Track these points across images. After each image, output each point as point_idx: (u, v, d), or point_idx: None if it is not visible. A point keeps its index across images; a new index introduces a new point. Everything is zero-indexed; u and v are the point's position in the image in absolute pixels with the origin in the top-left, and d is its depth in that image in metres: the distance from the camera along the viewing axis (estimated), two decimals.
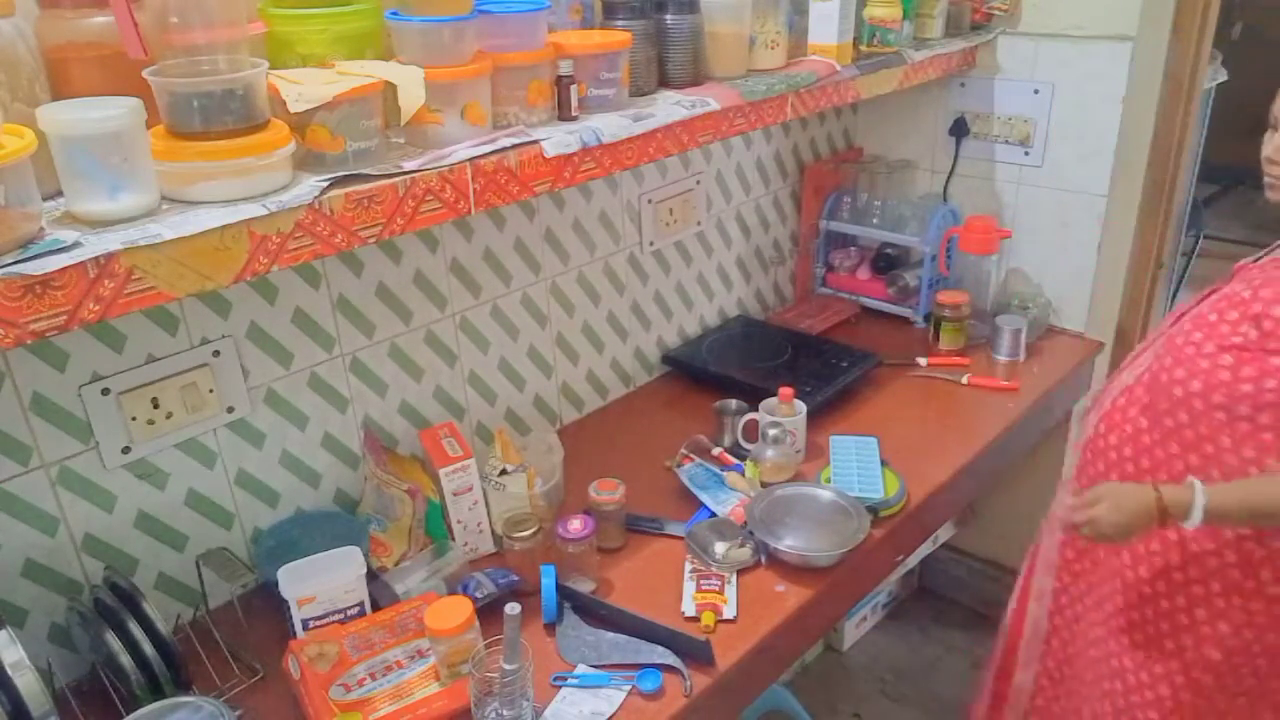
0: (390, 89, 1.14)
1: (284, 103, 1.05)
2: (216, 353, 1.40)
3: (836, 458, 1.75)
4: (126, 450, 1.34)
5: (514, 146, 1.23)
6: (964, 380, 2.02)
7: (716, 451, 1.76)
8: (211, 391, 1.40)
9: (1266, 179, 1.41)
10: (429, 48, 1.18)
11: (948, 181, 2.29)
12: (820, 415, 1.84)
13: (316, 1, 1.17)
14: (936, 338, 2.14)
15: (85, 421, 1.30)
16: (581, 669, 1.33)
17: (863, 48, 1.83)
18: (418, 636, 1.32)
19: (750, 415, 1.75)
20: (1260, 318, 1.29)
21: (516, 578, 1.45)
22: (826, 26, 1.70)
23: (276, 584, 1.33)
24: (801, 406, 1.73)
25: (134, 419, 1.33)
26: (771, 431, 1.67)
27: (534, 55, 1.28)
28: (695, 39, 1.51)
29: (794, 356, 2.05)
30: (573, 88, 1.32)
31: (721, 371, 2.01)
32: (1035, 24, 2.06)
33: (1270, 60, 5.68)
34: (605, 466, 1.69)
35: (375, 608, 1.39)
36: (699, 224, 2.13)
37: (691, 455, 1.76)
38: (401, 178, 1.12)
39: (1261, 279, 1.33)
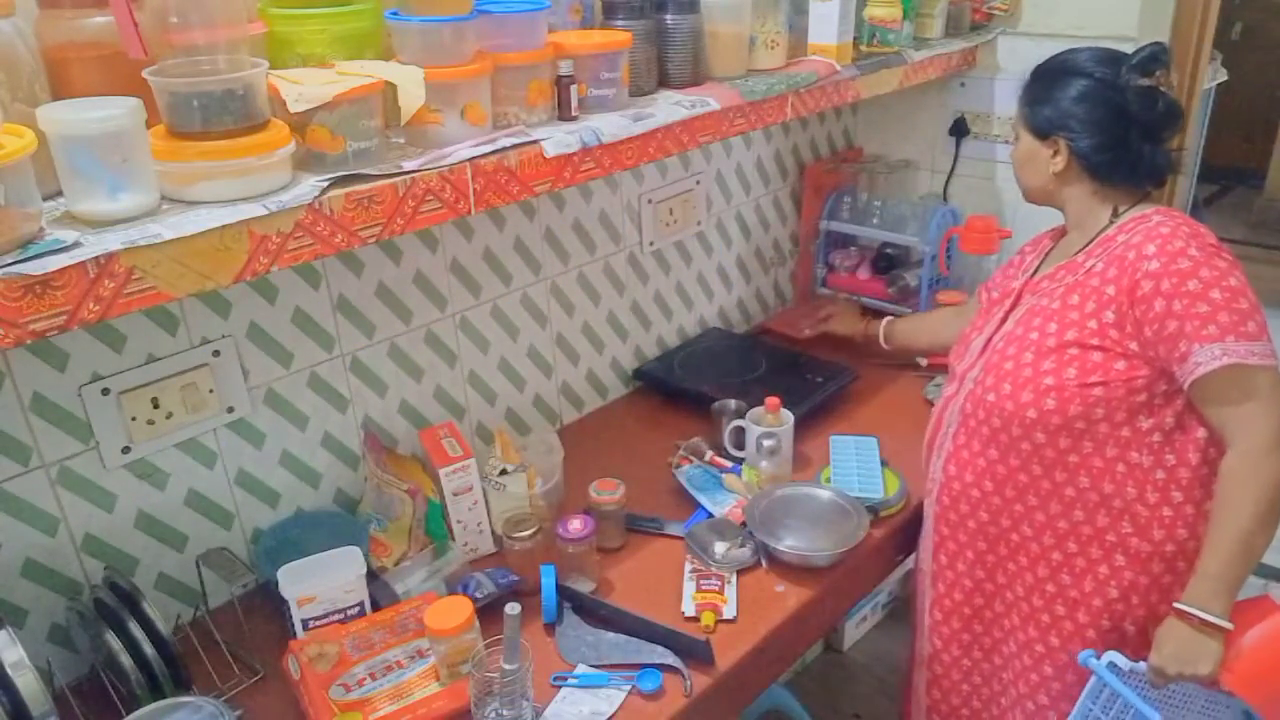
0: (390, 89, 1.14)
1: (284, 103, 1.05)
2: (216, 353, 1.40)
3: (836, 458, 1.75)
4: (126, 450, 1.34)
5: (514, 146, 1.23)
6: None
7: (708, 456, 1.76)
8: (211, 391, 1.40)
9: None
10: (429, 48, 1.18)
11: (948, 181, 2.29)
12: (805, 424, 1.83)
13: (316, 1, 1.17)
14: None
15: (85, 421, 1.30)
16: (581, 669, 1.33)
17: (863, 48, 1.83)
18: (418, 636, 1.32)
19: (736, 423, 1.72)
20: (1119, 300, 1.31)
21: (516, 578, 1.45)
22: (826, 26, 1.70)
23: (276, 584, 1.33)
24: (788, 416, 1.69)
25: (134, 419, 1.33)
26: (766, 443, 1.66)
27: (534, 55, 1.28)
28: (695, 39, 1.51)
29: (769, 370, 2.01)
30: (573, 88, 1.32)
31: (695, 389, 1.95)
32: (1035, 24, 2.06)
33: (1270, 60, 5.68)
34: (605, 466, 1.69)
35: (375, 608, 1.39)
36: (699, 224, 2.13)
37: (689, 456, 1.76)
38: (401, 178, 1.12)
39: (1084, 273, 1.38)
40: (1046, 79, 1.45)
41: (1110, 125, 1.39)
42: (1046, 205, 1.51)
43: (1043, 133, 1.44)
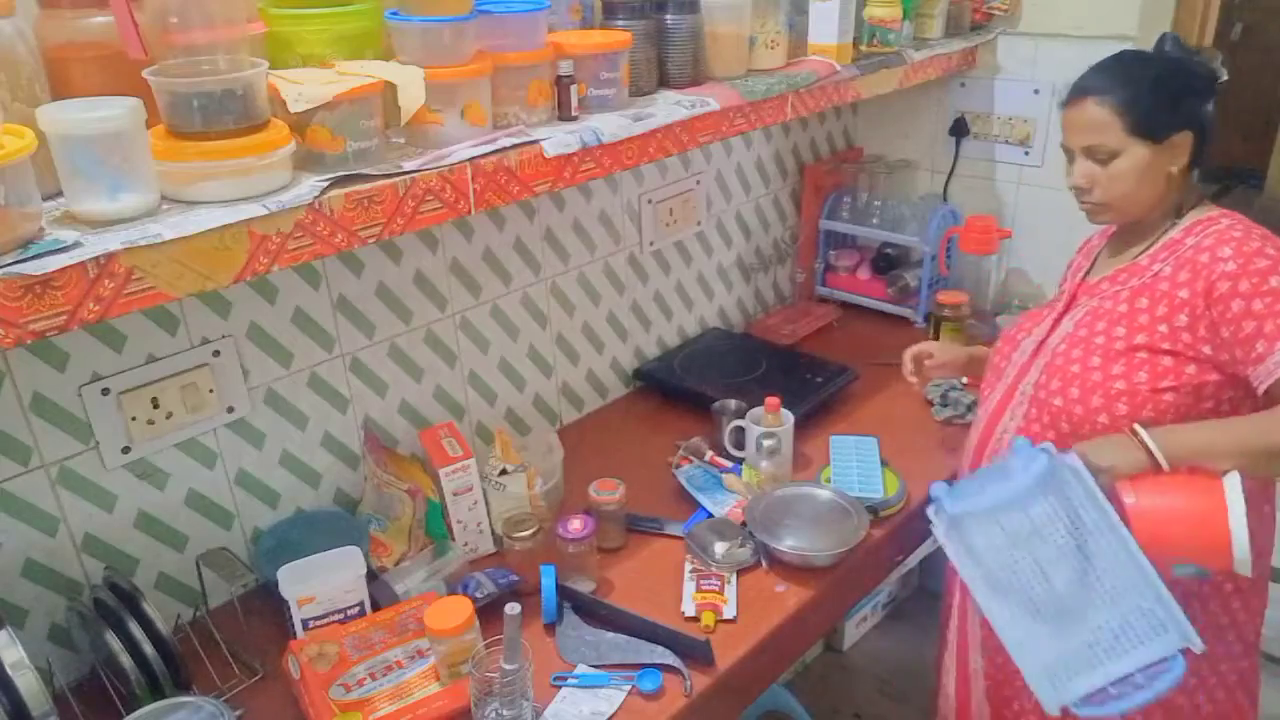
0: (390, 89, 1.14)
1: (284, 103, 1.05)
2: (216, 353, 1.40)
3: (836, 458, 1.75)
4: (126, 450, 1.34)
5: (514, 146, 1.23)
6: (963, 380, 2.02)
7: (708, 456, 1.76)
8: (211, 391, 1.40)
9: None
10: (429, 48, 1.18)
11: (948, 181, 2.29)
12: (805, 424, 1.82)
13: (316, 1, 1.17)
14: (936, 337, 2.13)
15: (85, 421, 1.30)
16: (581, 669, 1.33)
17: (863, 48, 1.83)
18: (418, 636, 1.32)
19: (736, 423, 1.72)
20: (1193, 302, 1.27)
21: (516, 578, 1.45)
22: (826, 26, 1.70)
23: (276, 584, 1.33)
24: (788, 416, 1.68)
25: (134, 419, 1.33)
26: (766, 443, 1.66)
27: (534, 55, 1.28)
28: (695, 39, 1.51)
29: (769, 370, 2.01)
30: (573, 88, 1.32)
31: (695, 389, 1.96)
32: (1035, 24, 2.06)
33: (1270, 60, 5.67)
34: (605, 466, 1.69)
35: (375, 608, 1.39)
36: (699, 224, 2.13)
37: (689, 456, 1.76)
38: (401, 178, 1.12)
39: (1151, 277, 1.34)
40: (1137, 80, 1.33)
41: (1203, 108, 1.34)
42: (1137, 219, 1.40)
43: (1161, 135, 1.32)
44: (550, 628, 1.41)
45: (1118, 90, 1.33)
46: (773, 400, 1.67)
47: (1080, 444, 1.28)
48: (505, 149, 1.22)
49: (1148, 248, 1.38)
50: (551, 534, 1.48)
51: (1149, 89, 1.33)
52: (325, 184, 1.06)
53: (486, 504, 1.54)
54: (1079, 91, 1.37)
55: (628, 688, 1.30)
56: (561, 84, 1.32)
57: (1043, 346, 1.45)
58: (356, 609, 1.36)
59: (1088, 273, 1.48)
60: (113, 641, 1.21)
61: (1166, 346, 1.30)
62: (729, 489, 1.67)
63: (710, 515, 1.62)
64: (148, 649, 1.22)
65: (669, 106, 1.43)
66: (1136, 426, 1.26)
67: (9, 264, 0.85)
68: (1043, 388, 1.41)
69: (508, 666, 1.18)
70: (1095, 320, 1.39)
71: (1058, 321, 1.46)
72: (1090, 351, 1.36)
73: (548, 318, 1.87)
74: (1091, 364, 1.35)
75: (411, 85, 1.14)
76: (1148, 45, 1.42)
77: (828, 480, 1.68)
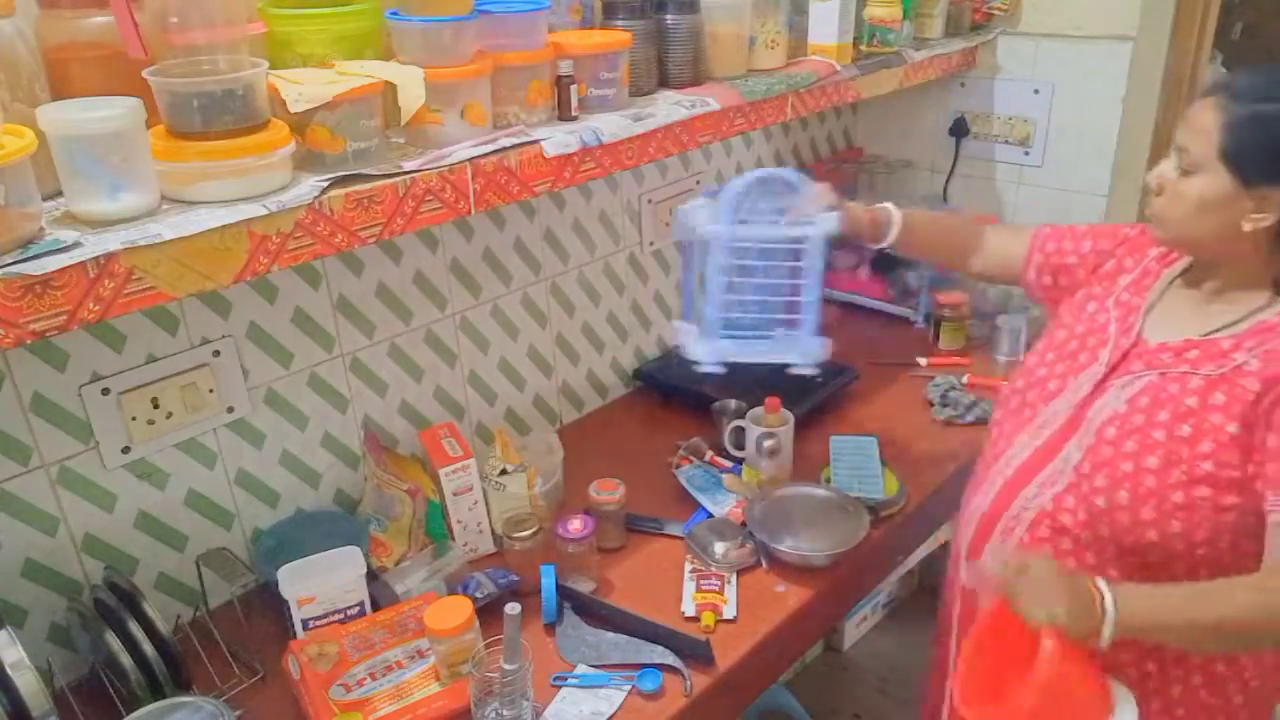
0: (390, 89, 1.14)
1: (284, 103, 1.05)
2: (216, 353, 1.40)
3: (836, 458, 1.75)
4: (126, 450, 1.34)
5: (514, 146, 1.23)
6: (964, 380, 2.02)
7: (708, 456, 1.76)
8: (211, 391, 1.40)
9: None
10: (429, 48, 1.18)
11: (948, 181, 2.29)
12: (805, 424, 1.81)
13: (316, 1, 1.17)
14: (936, 338, 2.14)
15: (85, 421, 1.30)
16: (581, 669, 1.33)
17: (863, 48, 1.83)
18: (418, 636, 1.32)
19: (736, 423, 1.71)
20: (1261, 395, 1.08)
21: (516, 578, 1.45)
22: (826, 26, 1.70)
23: (276, 584, 1.33)
24: (788, 416, 1.68)
25: (134, 419, 1.33)
26: (766, 443, 1.65)
27: (534, 55, 1.28)
28: (695, 39, 1.51)
29: (769, 370, 1.97)
30: (573, 88, 1.32)
31: (695, 389, 1.93)
32: (1035, 24, 2.06)
33: (1270, 60, 5.66)
34: (605, 466, 1.69)
35: (375, 608, 1.39)
36: None
37: (689, 456, 1.76)
38: (401, 178, 1.12)
39: (1233, 369, 1.12)
40: (1266, 105, 1.08)
41: None
42: (1192, 255, 1.21)
43: (1252, 180, 1.09)
44: (550, 628, 1.41)
45: (1239, 105, 1.09)
46: (773, 400, 1.67)
47: (1039, 565, 1.10)
48: (505, 149, 1.22)
49: (1232, 325, 1.16)
50: (551, 534, 1.48)
51: (1266, 122, 1.08)
52: (325, 184, 1.06)
53: (486, 504, 1.54)
54: (1210, 87, 1.14)
55: (628, 688, 1.30)
56: (561, 84, 1.32)
57: (1084, 415, 1.22)
58: (356, 609, 1.36)
59: (1143, 323, 1.24)
60: (113, 641, 1.21)
61: (1236, 458, 1.10)
62: (729, 489, 1.67)
63: (710, 515, 1.62)
64: (148, 649, 1.22)
65: (669, 106, 1.43)
66: (1103, 587, 1.06)
67: (9, 264, 0.85)
68: (1087, 478, 1.19)
69: (508, 666, 1.18)
70: (1156, 407, 1.15)
71: (1102, 384, 1.23)
72: (1146, 448, 1.14)
73: (548, 318, 1.87)
74: (1147, 464, 1.14)
75: (411, 85, 1.14)
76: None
77: (828, 480, 1.68)
